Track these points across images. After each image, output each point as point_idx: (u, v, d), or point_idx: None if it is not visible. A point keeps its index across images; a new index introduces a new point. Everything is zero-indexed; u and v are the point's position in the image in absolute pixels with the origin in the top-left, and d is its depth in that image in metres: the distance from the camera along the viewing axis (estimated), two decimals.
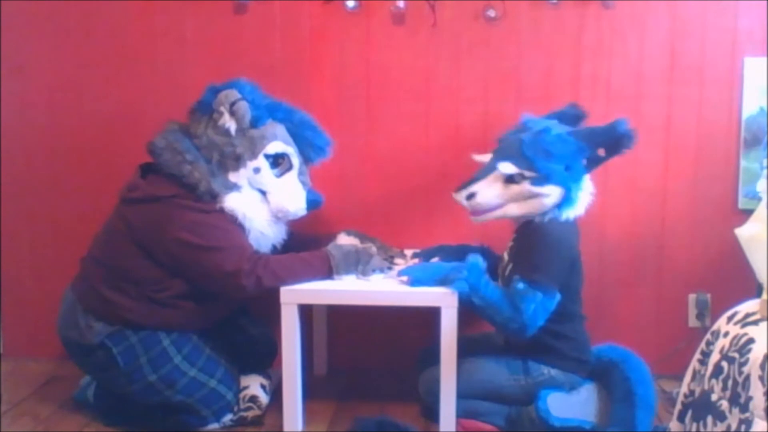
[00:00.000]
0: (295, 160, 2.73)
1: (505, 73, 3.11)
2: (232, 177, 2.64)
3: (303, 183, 2.74)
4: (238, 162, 2.64)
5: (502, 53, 3.09)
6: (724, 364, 2.00)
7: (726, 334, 2.06)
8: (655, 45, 3.06)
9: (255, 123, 2.65)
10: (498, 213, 2.60)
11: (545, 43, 3.08)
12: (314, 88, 3.12)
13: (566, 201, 2.54)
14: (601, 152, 2.57)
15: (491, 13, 3.04)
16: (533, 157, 2.52)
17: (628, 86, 3.09)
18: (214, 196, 2.60)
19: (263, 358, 2.97)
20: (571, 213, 2.57)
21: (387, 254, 2.80)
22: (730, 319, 2.10)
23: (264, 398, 2.82)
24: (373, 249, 2.75)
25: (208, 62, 3.13)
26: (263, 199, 2.69)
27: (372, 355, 3.30)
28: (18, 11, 3.18)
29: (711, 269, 3.14)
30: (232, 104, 2.60)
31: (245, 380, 2.84)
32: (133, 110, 3.19)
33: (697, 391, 2.11)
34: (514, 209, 2.59)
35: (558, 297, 2.51)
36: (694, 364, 2.18)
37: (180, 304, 2.65)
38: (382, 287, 2.62)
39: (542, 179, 2.52)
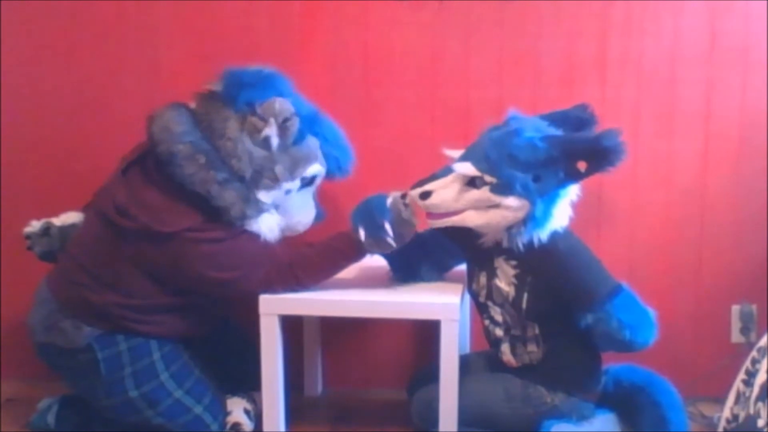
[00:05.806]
0: (319, 179, 2.70)
1: (521, 53, 3.08)
2: (262, 196, 2.56)
3: (314, 199, 2.76)
4: (274, 182, 2.56)
5: (517, 31, 3.07)
6: None
7: None
8: (693, 22, 3.03)
9: (298, 139, 2.58)
10: (456, 219, 2.50)
11: (567, 20, 3.06)
12: (305, 73, 3.07)
13: (535, 219, 2.41)
14: (581, 166, 2.43)
15: None
16: (496, 160, 2.41)
17: (662, 69, 3.06)
18: (242, 221, 2.52)
19: (250, 376, 2.86)
20: (552, 227, 2.45)
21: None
22: None
23: (248, 425, 2.78)
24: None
25: (185, 43, 3.13)
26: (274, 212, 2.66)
27: (371, 374, 3.30)
28: None
29: (757, 277, 3.10)
30: (285, 120, 2.51)
31: (228, 404, 2.80)
32: (100, 95, 3.18)
33: (742, 415, 2.10)
34: (473, 218, 2.48)
35: (623, 284, 2.43)
36: (738, 385, 2.18)
37: (174, 310, 2.63)
38: (375, 298, 2.59)
39: (503, 187, 2.40)
